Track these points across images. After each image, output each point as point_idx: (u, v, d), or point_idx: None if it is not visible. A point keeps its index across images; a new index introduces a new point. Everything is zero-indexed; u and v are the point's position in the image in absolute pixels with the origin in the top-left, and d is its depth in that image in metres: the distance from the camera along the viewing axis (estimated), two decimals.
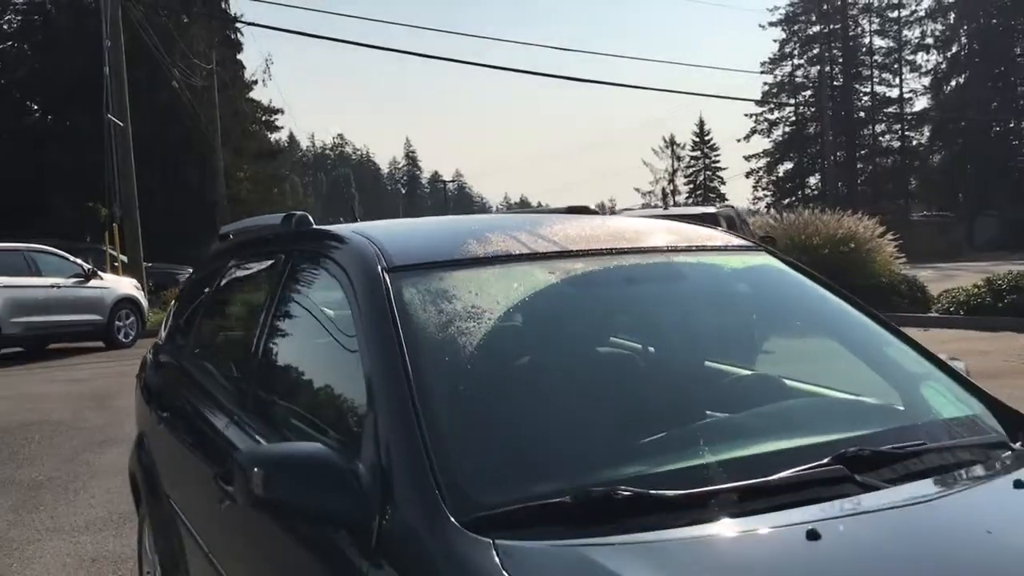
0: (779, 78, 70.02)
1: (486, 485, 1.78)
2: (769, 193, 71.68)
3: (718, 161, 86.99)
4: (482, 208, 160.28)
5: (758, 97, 68.34)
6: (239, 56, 44.72)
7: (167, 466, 3.47)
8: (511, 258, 2.48)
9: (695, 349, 2.58)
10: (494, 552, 1.55)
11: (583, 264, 2.53)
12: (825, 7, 67.96)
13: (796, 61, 69.74)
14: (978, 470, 2.01)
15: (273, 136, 49.48)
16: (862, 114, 68.43)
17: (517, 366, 2.28)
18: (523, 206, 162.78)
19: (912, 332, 10.06)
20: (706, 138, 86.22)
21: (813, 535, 1.62)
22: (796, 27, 69.43)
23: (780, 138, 70.25)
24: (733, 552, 1.66)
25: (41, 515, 5.76)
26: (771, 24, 69.36)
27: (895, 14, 65.20)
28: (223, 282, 3.69)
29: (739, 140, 72.79)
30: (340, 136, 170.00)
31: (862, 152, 68.55)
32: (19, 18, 37.30)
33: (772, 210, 64.28)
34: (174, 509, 3.22)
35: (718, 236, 2.99)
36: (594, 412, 2.13)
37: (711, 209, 12.74)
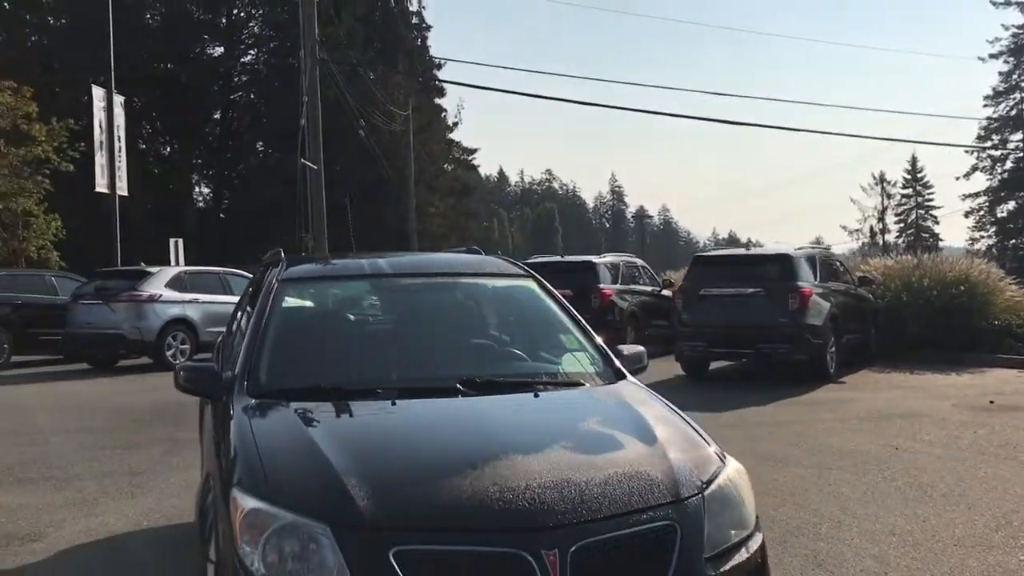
0: (1003, 112, 66.21)
1: (271, 382, 3.66)
2: (987, 235, 67.70)
3: (932, 199, 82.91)
4: (688, 243, 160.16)
5: (976, 133, 65.06)
6: (438, 100, 48.62)
7: None
8: (351, 276, 4.40)
9: (444, 326, 4.33)
10: (251, 404, 3.44)
11: (398, 280, 4.41)
12: None
13: (1022, 94, 65.90)
14: (531, 390, 3.65)
15: (483, 172, 52.91)
16: None
17: (318, 330, 4.20)
18: (731, 242, 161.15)
19: (1005, 372, 10.90)
20: (919, 175, 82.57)
21: (393, 403, 3.39)
22: (1023, 58, 65.54)
23: (1003, 176, 66.17)
24: (355, 409, 3.44)
25: (178, 458, 8.03)
26: (992, 56, 65.98)
27: None
28: (248, 288, 5.78)
29: (958, 178, 69.28)
30: (548, 171, 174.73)
31: None
32: (245, 77, 42.74)
33: (993, 251, 61.04)
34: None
35: (503, 267, 4.71)
36: (346, 353, 4.02)
37: (786, 250, 13.78)
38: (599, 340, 4.21)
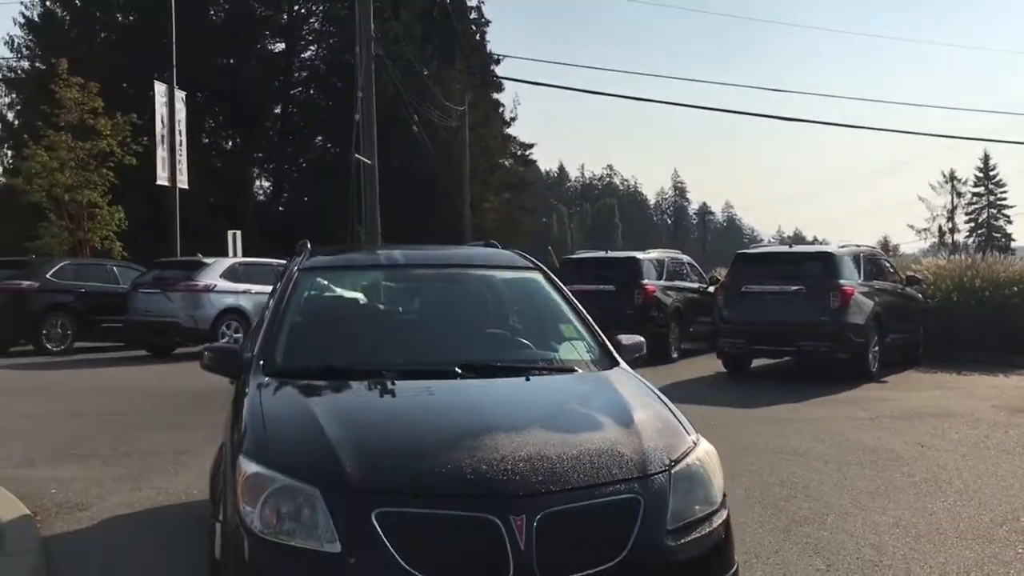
0: None
1: (285, 362, 3.95)
2: None
3: (1004, 198, 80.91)
4: (752, 240, 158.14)
5: None
6: (496, 96, 48.92)
7: None
8: (367, 266, 4.68)
9: (450, 314, 4.59)
10: (264, 382, 3.73)
11: (411, 271, 4.69)
12: None
13: None
14: (524, 374, 3.88)
15: (543, 167, 52.99)
16: None
17: (332, 315, 4.49)
18: (797, 239, 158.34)
19: None
20: (991, 173, 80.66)
21: (393, 383, 3.66)
22: None
23: None
24: (358, 387, 3.71)
25: (219, 440, 8.43)
26: None
27: None
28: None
29: None
30: (609, 167, 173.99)
31: None
32: (305, 73, 43.56)
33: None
34: None
35: (513, 260, 4.94)
36: (356, 337, 4.29)
37: (829, 248, 13.79)
38: (597, 330, 4.42)
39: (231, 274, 16.78)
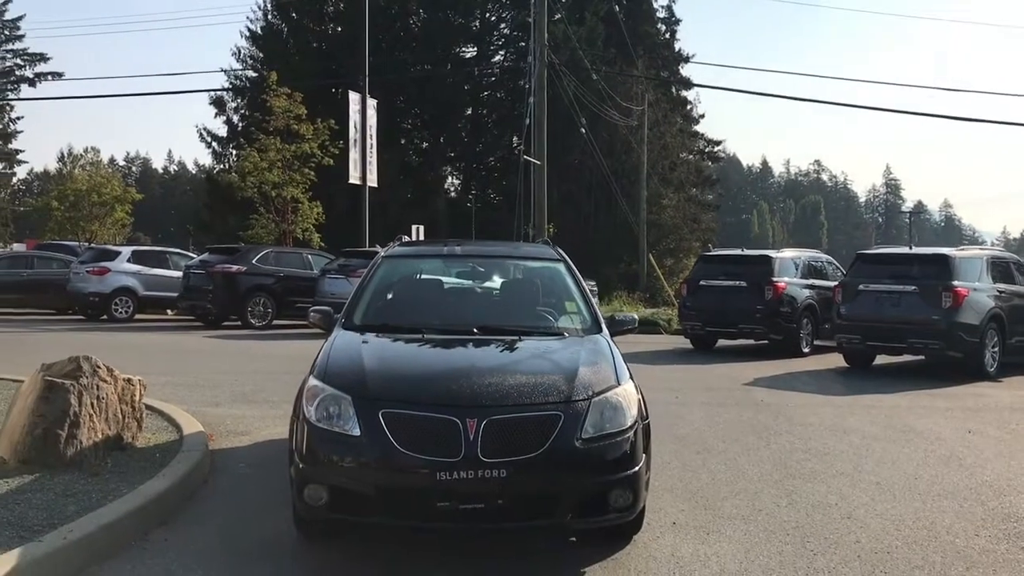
0: None
1: (360, 320, 5.66)
2: None
3: None
4: (972, 241, 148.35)
5: None
6: (683, 93, 49.62)
7: None
8: (431, 255, 6.34)
9: (485, 291, 6.14)
10: (340, 333, 5.48)
11: (463, 259, 6.31)
12: None
13: None
14: (520, 336, 5.36)
15: (745, 162, 52.77)
16: None
17: (404, 289, 6.17)
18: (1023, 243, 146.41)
19: None
20: None
21: (423, 337, 5.27)
22: None
23: None
24: (398, 338, 5.35)
25: None
26: None
27: None
28: None
29: None
30: (817, 162, 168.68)
31: None
32: (494, 77, 46.07)
33: None
34: None
35: (544, 252, 6.41)
36: (411, 305, 5.93)
37: (945, 250, 14.17)
38: (595, 307, 5.86)
39: None
